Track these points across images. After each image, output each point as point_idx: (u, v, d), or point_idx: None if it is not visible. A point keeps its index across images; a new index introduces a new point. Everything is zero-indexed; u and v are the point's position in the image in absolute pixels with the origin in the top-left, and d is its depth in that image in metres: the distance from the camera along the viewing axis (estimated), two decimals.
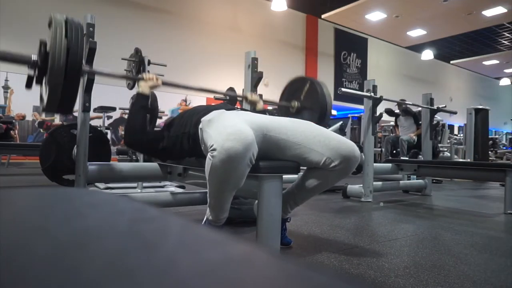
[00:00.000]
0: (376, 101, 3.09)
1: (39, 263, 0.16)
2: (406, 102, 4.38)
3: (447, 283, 1.16)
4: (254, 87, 2.38)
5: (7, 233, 0.20)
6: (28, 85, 1.45)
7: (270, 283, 0.16)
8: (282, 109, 2.27)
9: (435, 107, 3.74)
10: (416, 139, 4.82)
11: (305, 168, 1.47)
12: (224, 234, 0.22)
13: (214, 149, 1.12)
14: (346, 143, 1.34)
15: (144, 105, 1.58)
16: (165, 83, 1.73)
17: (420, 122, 4.08)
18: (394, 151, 5.10)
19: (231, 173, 1.14)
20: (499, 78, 16.40)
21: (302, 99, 2.12)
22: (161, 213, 0.26)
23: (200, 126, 1.34)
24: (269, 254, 0.19)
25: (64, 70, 1.31)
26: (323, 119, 2.01)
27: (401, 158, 4.58)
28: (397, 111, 5.24)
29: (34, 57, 1.40)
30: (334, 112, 2.34)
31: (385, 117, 3.40)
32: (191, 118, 1.46)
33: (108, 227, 0.23)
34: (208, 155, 1.15)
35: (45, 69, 1.35)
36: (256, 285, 0.15)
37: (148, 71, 1.78)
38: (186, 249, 0.20)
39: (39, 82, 1.46)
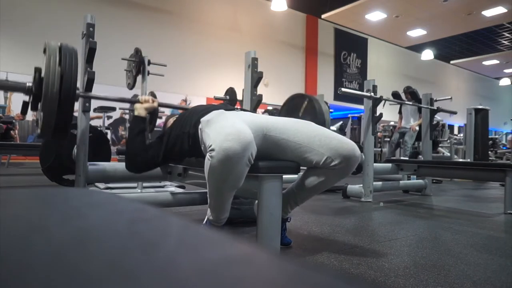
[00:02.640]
0: (376, 101, 3.09)
1: (39, 263, 0.16)
2: (407, 102, 4.38)
3: (447, 283, 1.16)
4: (254, 87, 2.38)
5: (7, 233, 0.20)
6: (24, 111, 1.49)
7: (270, 283, 0.16)
8: None
9: (435, 107, 3.75)
10: (418, 129, 4.90)
11: (305, 168, 1.47)
12: (224, 234, 0.22)
13: (212, 149, 1.12)
14: (347, 143, 1.34)
15: (142, 129, 1.57)
16: (161, 105, 1.75)
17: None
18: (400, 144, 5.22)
19: (229, 173, 1.14)
20: (499, 78, 16.39)
21: (300, 115, 2.21)
22: (161, 213, 0.26)
23: (200, 126, 1.34)
24: (269, 254, 0.19)
25: (58, 97, 1.34)
26: None
27: (401, 158, 4.58)
28: (404, 98, 5.25)
29: (29, 84, 1.43)
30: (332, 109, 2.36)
31: (385, 117, 3.39)
32: (190, 118, 1.46)
33: (108, 227, 0.23)
34: (207, 155, 1.15)
35: (40, 96, 1.37)
36: (256, 285, 0.15)
37: (152, 93, 1.78)
38: (186, 249, 0.20)
39: (35, 108, 1.47)
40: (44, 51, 1.38)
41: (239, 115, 1.37)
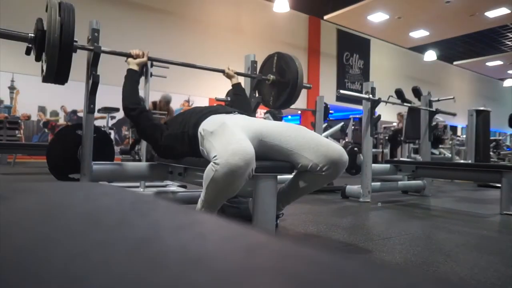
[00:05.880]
0: (375, 103, 3.13)
1: (47, 247, 0.19)
2: (405, 104, 4.41)
3: None
4: (253, 90, 2.43)
5: (15, 223, 0.26)
6: (28, 52, 1.66)
7: (269, 263, 0.18)
8: (260, 82, 2.49)
9: (433, 108, 3.78)
10: None
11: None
12: (227, 220, 0.26)
13: (217, 163, 1.19)
14: (333, 149, 1.41)
15: (136, 80, 1.77)
16: (150, 59, 1.95)
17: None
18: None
19: (231, 185, 1.23)
20: (502, 79, 16.32)
21: (274, 71, 2.39)
22: (160, 201, 0.31)
23: (200, 130, 1.41)
24: (267, 235, 0.23)
25: (59, 41, 1.51)
26: (294, 88, 2.27)
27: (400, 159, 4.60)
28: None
29: (31, 35, 1.60)
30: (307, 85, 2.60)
31: (386, 117, 3.43)
32: (190, 118, 1.52)
33: (109, 217, 0.28)
34: (210, 166, 1.22)
35: (43, 44, 1.54)
36: (259, 263, 0.18)
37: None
38: (189, 236, 0.23)
39: (39, 59, 1.66)
40: (46, 8, 1.58)
41: (237, 122, 1.42)
